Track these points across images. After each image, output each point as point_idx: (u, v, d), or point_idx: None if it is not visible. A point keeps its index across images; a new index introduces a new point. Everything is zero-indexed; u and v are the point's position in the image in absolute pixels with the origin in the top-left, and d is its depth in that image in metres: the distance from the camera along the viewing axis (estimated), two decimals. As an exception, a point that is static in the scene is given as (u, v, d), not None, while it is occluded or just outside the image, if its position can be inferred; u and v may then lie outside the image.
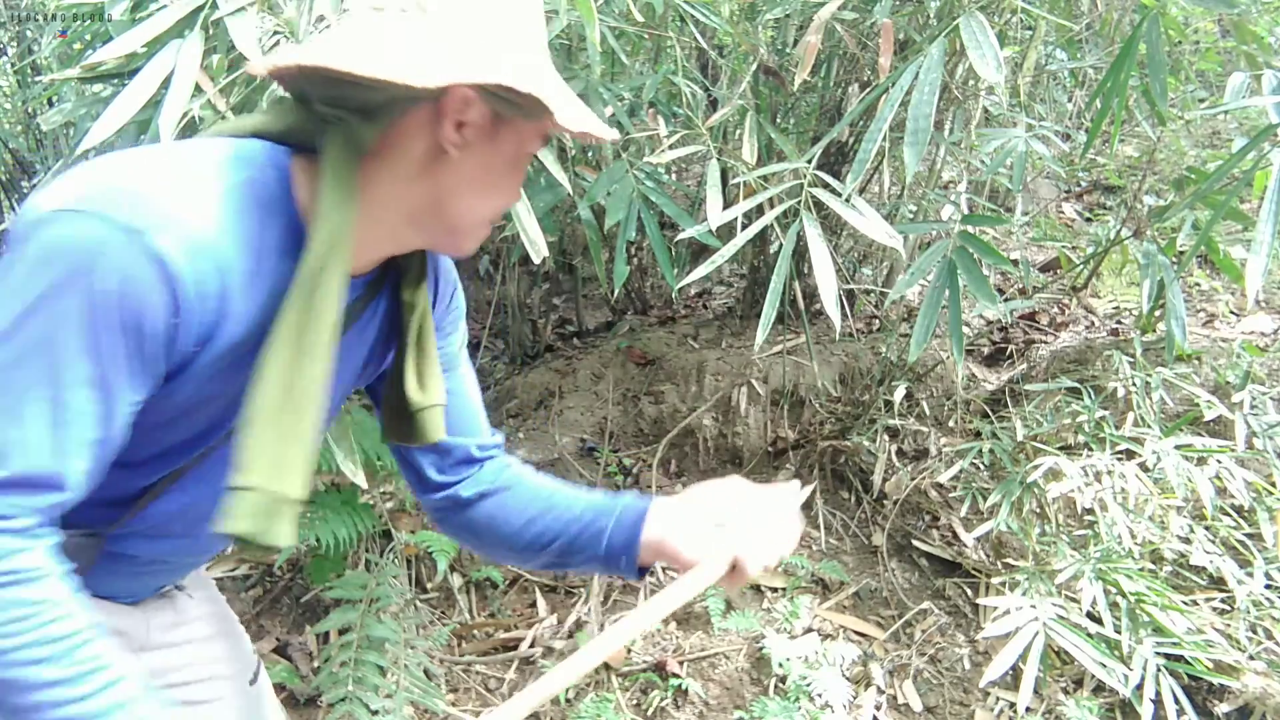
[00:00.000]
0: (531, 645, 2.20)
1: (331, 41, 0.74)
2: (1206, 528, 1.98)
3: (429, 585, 2.38)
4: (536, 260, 1.35)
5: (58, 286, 0.63)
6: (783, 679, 1.97)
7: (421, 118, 0.74)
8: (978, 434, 2.32)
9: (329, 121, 0.74)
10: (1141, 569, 1.87)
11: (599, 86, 1.98)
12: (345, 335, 0.81)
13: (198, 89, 1.24)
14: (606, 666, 2.09)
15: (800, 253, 1.62)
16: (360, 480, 1.48)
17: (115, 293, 0.63)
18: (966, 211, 2.12)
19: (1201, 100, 3.14)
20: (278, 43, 1.30)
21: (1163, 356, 2.21)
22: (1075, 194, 4.49)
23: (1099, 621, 1.78)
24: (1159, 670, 1.72)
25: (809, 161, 1.53)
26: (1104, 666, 1.66)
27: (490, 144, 0.78)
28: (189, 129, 1.36)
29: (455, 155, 0.76)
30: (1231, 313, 3.25)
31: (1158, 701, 1.69)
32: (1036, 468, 1.97)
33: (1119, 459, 1.98)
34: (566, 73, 1.99)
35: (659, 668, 2.06)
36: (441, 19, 0.73)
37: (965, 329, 3.06)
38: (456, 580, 2.42)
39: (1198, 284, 3.50)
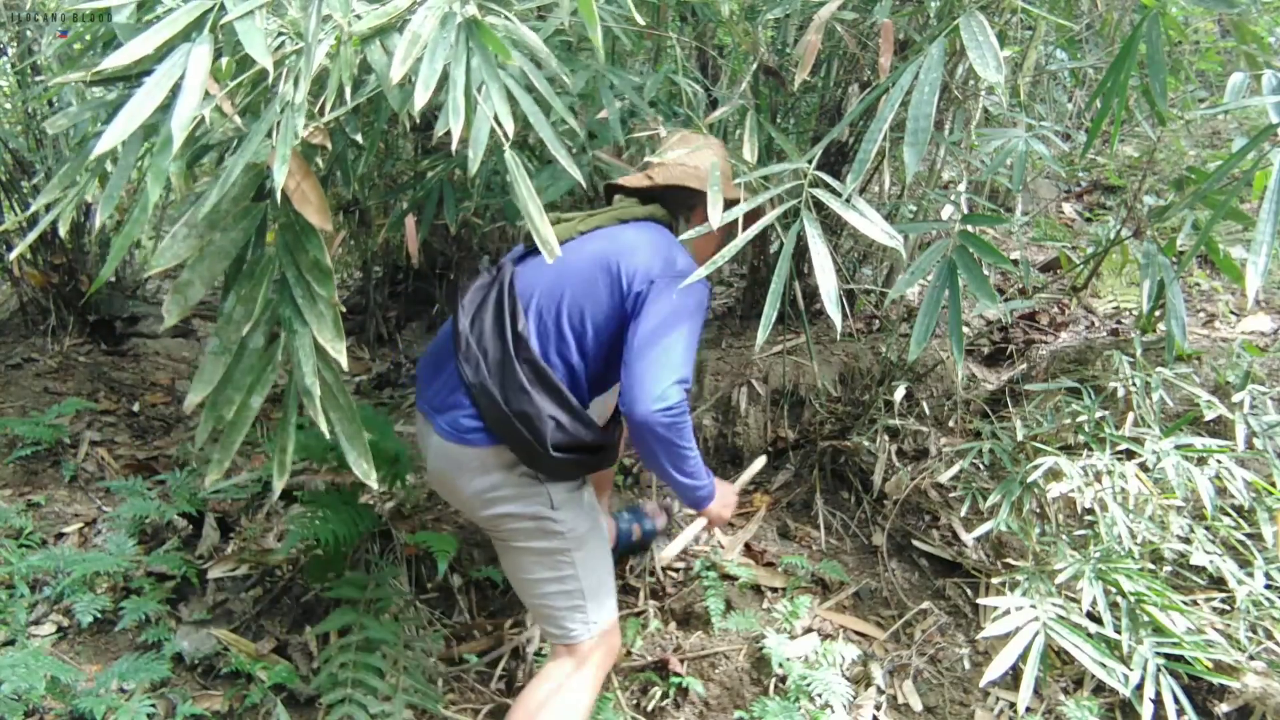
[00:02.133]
0: (531, 645, 2.20)
1: (682, 171, 1.77)
2: (1206, 528, 1.98)
3: (429, 585, 2.38)
4: (550, 260, 1.35)
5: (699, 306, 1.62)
6: (783, 679, 1.98)
7: (702, 208, 1.65)
8: (978, 434, 2.32)
9: (675, 211, 1.78)
10: (1141, 569, 1.87)
11: (607, 76, 1.96)
12: None
13: (207, 93, 1.24)
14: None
15: (800, 253, 1.62)
16: (372, 481, 1.47)
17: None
18: (966, 211, 2.12)
19: (1201, 100, 3.14)
20: (282, 44, 1.30)
21: (1163, 356, 2.21)
22: (1075, 194, 4.50)
23: (1099, 621, 1.78)
24: (1159, 670, 1.72)
25: (809, 162, 1.53)
26: (1104, 666, 1.66)
27: (723, 231, 1.69)
28: (199, 131, 1.36)
29: (715, 234, 1.66)
30: (1231, 313, 3.25)
31: (1158, 701, 1.69)
32: (1036, 468, 1.97)
33: (1119, 459, 1.98)
34: (571, 65, 1.98)
35: (659, 666, 2.06)
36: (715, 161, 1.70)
37: (965, 329, 3.06)
38: (456, 580, 2.42)
39: (1198, 284, 3.50)
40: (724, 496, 1.84)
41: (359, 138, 1.88)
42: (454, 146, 1.23)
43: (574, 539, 1.66)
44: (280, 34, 1.31)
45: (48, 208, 1.45)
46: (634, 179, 1.82)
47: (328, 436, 1.43)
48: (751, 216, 1.52)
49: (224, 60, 1.31)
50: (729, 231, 1.94)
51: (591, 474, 1.77)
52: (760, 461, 2.30)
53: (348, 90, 1.25)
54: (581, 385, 1.65)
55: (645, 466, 1.75)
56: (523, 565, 1.69)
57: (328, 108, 1.27)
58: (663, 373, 1.50)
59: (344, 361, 1.39)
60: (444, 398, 1.65)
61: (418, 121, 2.86)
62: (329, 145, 1.48)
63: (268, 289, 1.43)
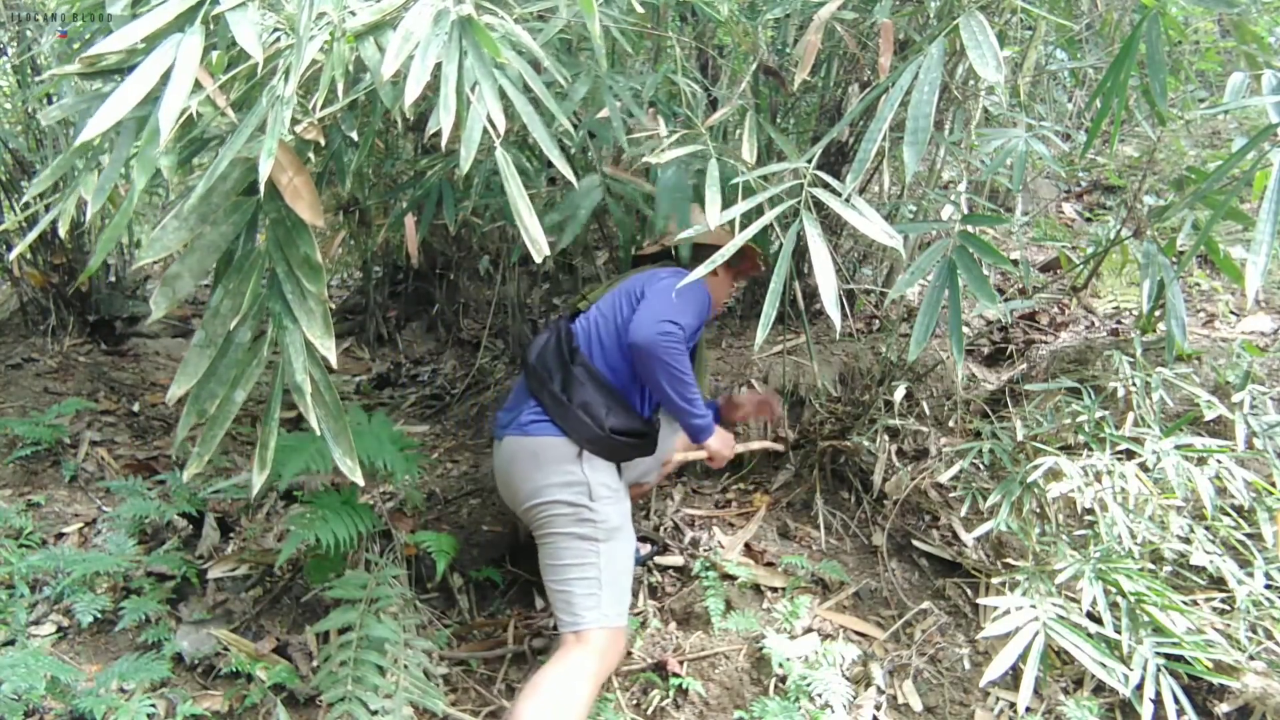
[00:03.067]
0: (529, 643, 2.20)
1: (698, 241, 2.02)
2: (1206, 528, 1.98)
3: (429, 585, 2.38)
4: (538, 259, 1.35)
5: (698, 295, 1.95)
6: (783, 679, 1.97)
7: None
8: (978, 434, 2.32)
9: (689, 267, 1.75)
10: (1141, 569, 1.87)
11: (608, 81, 1.96)
12: None
13: (197, 85, 1.24)
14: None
15: (800, 253, 1.62)
16: (358, 478, 1.48)
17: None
18: (966, 211, 2.12)
19: (1201, 100, 3.14)
20: (277, 40, 1.30)
21: (1163, 356, 2.21)
22: (1075, 194, 4.50)
23: (1099, 621, 1.78)
24: (1159, 670, 1.72)
25: (809, 161, 1.53)
26: (1104, 666, 1.66)
27: (729, 271, 2.18)
28: (188, 125, 1.36)
29: (720, 274, 2.11)
30: (1231, 313, 3.25)
31: (1158, 701, 1.69)
32: (1036, 468, 1.97)
33: (1119, 459, 1.98)
34: (571, 68, 1.99)
35: (659, 667, 2.06)
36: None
37: (965, 329, 3.06)
38: (456, 580, 2.42)
39: (1198, 284, 3.50)
40: (725, 438, 2.17)
41: (355, 135, 1.88)
42: (444, 143, 1.23)
43: (605, 530, 1.86)
44: (276, 29, 1.30)
45: (46, 207, 1.45)
46: (651, 247, 2.23)
47: (317, 433, 1.43)
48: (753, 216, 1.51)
49: (215, 54, 1.30)
50: (736, 271, 2.26)
51: (631, 460, 2.07)
52: (771, 445, 2.56)
53: (340, 86, 1.25)
54: (629, 384, 2.00)
55: (655, 396, 2.03)
56: (553, 552, 1.88)
57: (321, 103, 1.27)
58: (659, 314, 1.85)
59: (333, 359, 1.39)
60: (512, 411, 2.02)
61: (410, 120, 2.85)
62: (322, 141, 1.48)
63: (257, 284, 1.42)
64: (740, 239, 1.49)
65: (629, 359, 1.96)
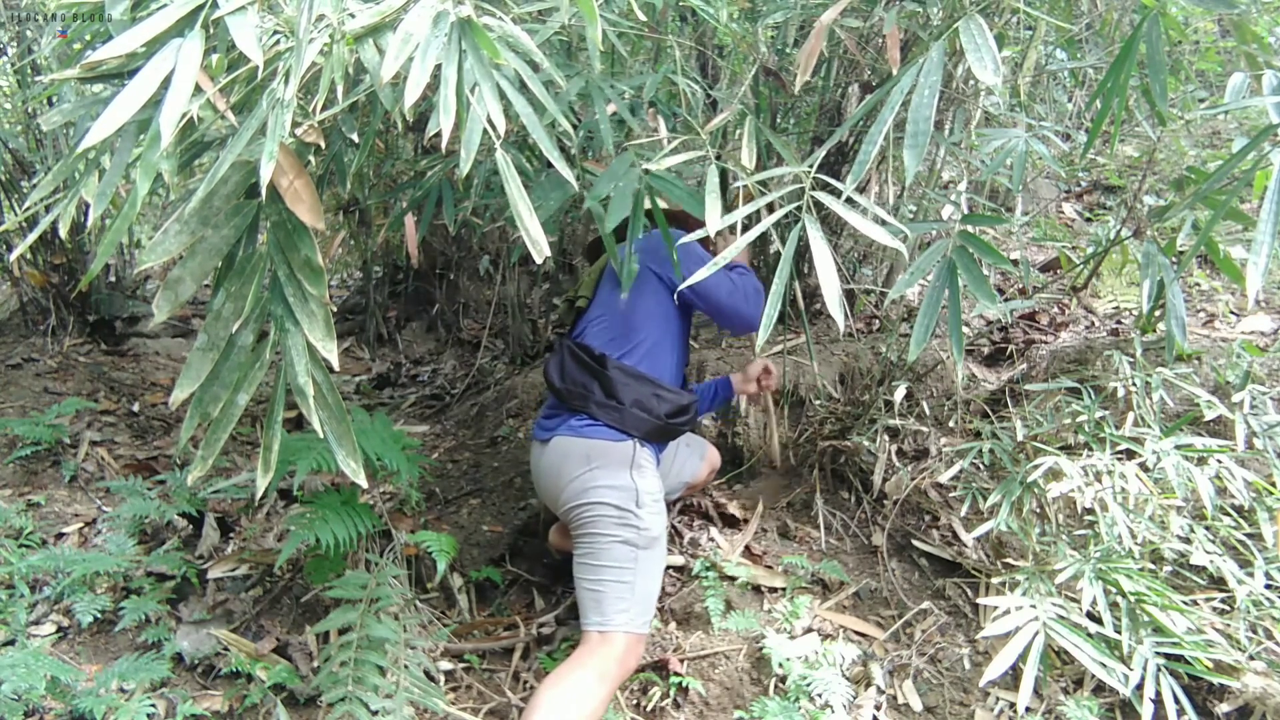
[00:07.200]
0: (527, 639, 2.20)
1: None
2: (1206, 528, 1.98)
3: (429, 585, 2.38)
4: (539, 260, 1.36)
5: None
6: (783, 679, 1.98)
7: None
8: (978, 434, 2.32)
9: None
10: (1141, 569, 1.87)
11: (600, 84, 1.97)
12: None
13: (198, 89, 1.24)
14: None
15: (800, 252, 1.62)
16: (361, 480, 1.48)
17: None
18: (966, 211, 2.12)
19: (1201, 100, 3.14)
20: (277, 42, 1.30)
21: (1163, 356, 2.21)
22: (1075, 194, 4.50)
23: (1099, 621, 1.78)
24: (1159, 670, 1.72)
25: (810, 166, 1.53)
26: (1104, 666, 1.66)
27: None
28: (189, 129, 1.36)
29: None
30: (1231, 313, 3.25)
31: (1158, 701, 1.69)
32: (1036, 468, 1.97)
33: (1119, 459, 1.98)
34: (567, 70, 1.99)
35: (659, 666, 2.06)
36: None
37: (965, 329, 3.06)
38: (456, 580, 2.42)
39: (1198, 284, 3.50)
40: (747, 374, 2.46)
41: (355, 137, 1.88)
42: (444, 145, 1.22)
43: (646, 538, 1.88)
44: (276, 32, 1.30)
45: (47, 208, 1.45)
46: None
47: (320, 436, 1.43)
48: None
49: (215, 57, 1.30)
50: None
51: (680, 437, 2.21)
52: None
53: (339, 89, 1.25)
54: (659, 366, 2.06)
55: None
56: (592, 552, 1.89)
57: (321, 106, 1.27)
58: (722, 289, 2.02)
59: (335, 361, 1.39)
60: (557, 418, 2.04)
61: (410, 121, 2.85)
62: (322, 143, 1.48)
63: (259, 287, 1.42)
64: (743, 240, 1.49)
65: (647, 341, 2.06)
